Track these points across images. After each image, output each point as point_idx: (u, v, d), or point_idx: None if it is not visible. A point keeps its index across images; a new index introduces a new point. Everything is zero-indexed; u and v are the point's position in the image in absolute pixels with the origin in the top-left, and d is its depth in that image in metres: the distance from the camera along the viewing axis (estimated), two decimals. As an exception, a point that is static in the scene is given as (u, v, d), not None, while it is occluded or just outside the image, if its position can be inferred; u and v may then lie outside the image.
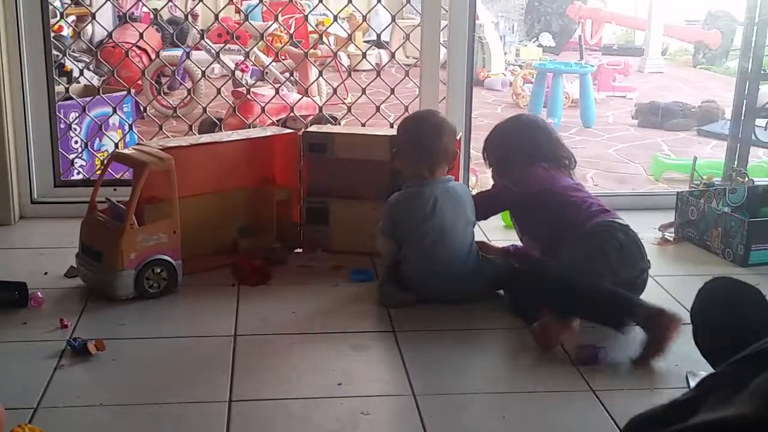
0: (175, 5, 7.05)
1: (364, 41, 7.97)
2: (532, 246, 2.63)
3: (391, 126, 3.41)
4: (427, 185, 2.48)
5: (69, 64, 5.00)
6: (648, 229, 3.13)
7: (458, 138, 2.66)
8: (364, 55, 4.45)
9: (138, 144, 2.84)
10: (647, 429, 1.10)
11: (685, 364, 2.04)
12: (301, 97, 4.55)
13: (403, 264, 2.50)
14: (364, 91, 3.54)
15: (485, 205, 2.61)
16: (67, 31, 5.72)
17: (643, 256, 2.46)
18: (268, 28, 5.08)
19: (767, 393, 0.97)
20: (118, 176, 3.25)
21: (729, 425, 0.96)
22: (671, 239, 3.08)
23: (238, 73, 5.11)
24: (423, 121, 2.59)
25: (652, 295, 2.58)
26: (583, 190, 2.61)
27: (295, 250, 2.83)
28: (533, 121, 2.84)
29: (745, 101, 3.48)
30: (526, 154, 2.62)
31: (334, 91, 3.79)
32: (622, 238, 2.40)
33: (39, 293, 2.42)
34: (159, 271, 2.46)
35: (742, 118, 3.50)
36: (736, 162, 3.49)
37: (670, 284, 2.65)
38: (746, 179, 3.24)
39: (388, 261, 2.55)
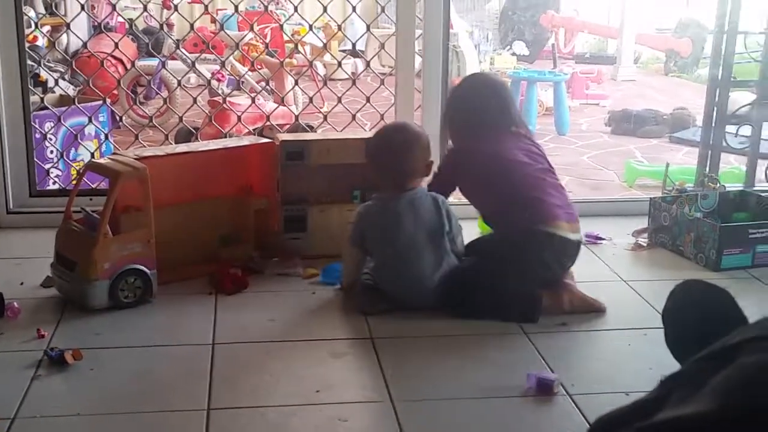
0: (151, 15, 7.01)
1: (340, 50, 7.97)
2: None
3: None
4: (391, 200, 2.48)
5: (44, 74, 4.97)
6: (622, 235, 3.18)
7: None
8: (339, 64, 4.47)
9: (113, 153, 2.84)
10: (612, 428, 1.11)
11: (658, 368, 2.06)
12: (278, 106, 4.56)
13: (375, 272, 2.52)
14: (340, 99, 3.56)
15: (437, 188, 2.58)
16: (42, 42, 5.68)
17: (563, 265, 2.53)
18: (244, 37, 5.09)
19: (725, 391, 0.99)
20: (94, 186, 3.24)
21: (688, 423, 0.98)
22: (644, 245, 3.12)
23: (214, 83, 5.11)
24: (391, 139, 2.54)
25: (625, 300, 2.62)
26: (534, 164, 2.55)
27: (273, 259, 2.84)
28: (492, 82, 2.77)
29: (715, 108, 3.52)
30: (487, 121, 2.60)
31: (310, 100, 3.80)
32: (548, 256, 2.46)
33: (15, 303, 2.41)
34: (133, 280, 2.45)
35: (713, 125, 3.53)
36: (707, 168, 3.53)
37: (644, 289, 2.68)
38: (718, 185, 3.28)
39: (352, 270, 2.56)
